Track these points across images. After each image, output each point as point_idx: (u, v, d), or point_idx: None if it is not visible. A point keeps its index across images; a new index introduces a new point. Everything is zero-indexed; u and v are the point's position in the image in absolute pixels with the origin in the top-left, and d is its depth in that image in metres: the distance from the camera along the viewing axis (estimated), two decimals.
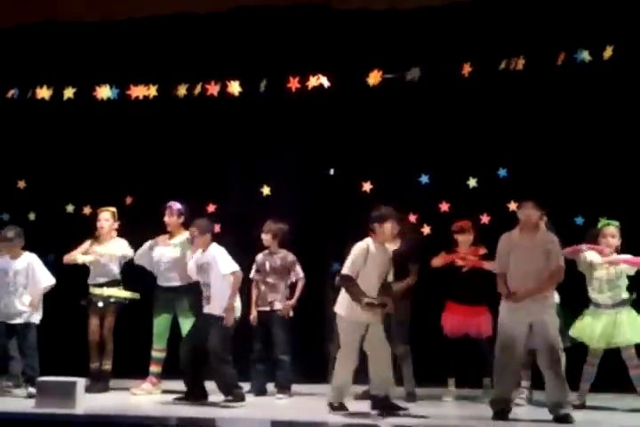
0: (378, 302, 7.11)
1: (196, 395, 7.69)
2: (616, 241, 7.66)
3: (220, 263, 7.74)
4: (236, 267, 7.78)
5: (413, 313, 8.13)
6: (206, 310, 7.76)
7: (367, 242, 7.28)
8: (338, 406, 7.23)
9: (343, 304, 7.23)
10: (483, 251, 8.18)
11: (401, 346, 8.01)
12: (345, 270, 7.20)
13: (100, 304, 8.51)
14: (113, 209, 8.73)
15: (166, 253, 8.50)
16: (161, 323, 8.46)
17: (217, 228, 9.03)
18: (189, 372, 7.70)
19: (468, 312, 8.05)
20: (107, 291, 8.54)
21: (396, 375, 7.84)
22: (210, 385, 7.73)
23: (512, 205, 8.93)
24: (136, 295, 8.65)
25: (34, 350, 8.26)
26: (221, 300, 7.69)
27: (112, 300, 8.54)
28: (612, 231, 7.66)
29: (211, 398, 7.73)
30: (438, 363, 8.17)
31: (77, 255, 8.60)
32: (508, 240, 7.06)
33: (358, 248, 7.25)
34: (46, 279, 8.42)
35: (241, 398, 7.56)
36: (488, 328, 8.02)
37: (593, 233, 7.75)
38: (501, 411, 6.89)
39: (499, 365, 6.96)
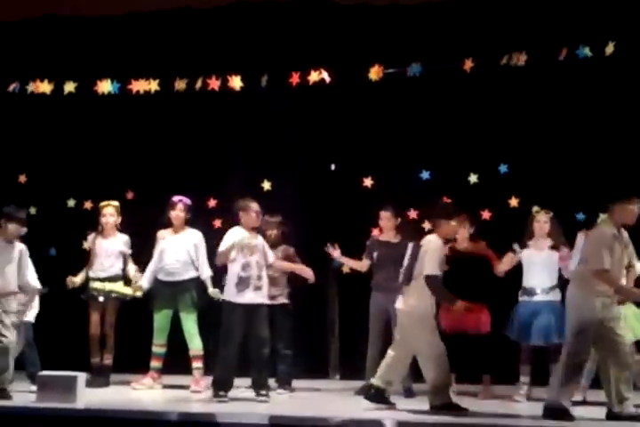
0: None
1: (225, 389, 7.58)
2: None
3: (270, 253, 7.86)
4: None
5: None
6: (259, 299, 7.56)
7: (436, 238, 7.17)
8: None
9: (427, 303, 7.12)
10: (483, 246, 8.18)
11: None
12: (431, 271, 7.03)
13: (101, 299, 8.51)
14: (116, 203, 8.71)
15: (169, 248, 8.45)
16: (162, 318, 8.43)
17: (218, 222, 9.07)
18: (233, 365, 7.60)
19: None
20: (108, 286, 8.53)
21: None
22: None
23: (513, 201, 8.95)
24: (137, 292, 8.62)
25: (31, 345, 8.21)
26: (266, 289, 7.70)
27: (113, 295, 8.53)
28: None
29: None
30: None
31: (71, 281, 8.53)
32: (612, 237, 6.78)
33: (437, 246, 7.10)
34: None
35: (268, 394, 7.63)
36: (487, 325, 8.02)
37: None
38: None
39: (580, 364, 6.81)
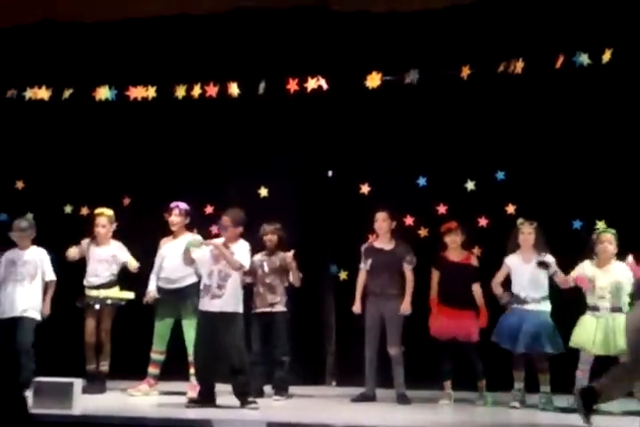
0: None
1: (208, 399, 7.58)
2: (613, 248, 7.69)
3: (246, 258, 7.72)
4: None
5: (412, 314, 8.14)
6: (218, 307, 7.49)
7: None
8: None
9: None
10: (473, 256, 8.19)
11: (396, 347, 8.03)
12: None
13: (97, 306, 8.51)
14: (109, 213, 8.68)
15: (168, 255, 8.44)
16: (162, 326, 8.40)
17: (215, 229, 9.06)
18: (207, 375, 7.58)
19: (457, 316, 8.01)
20: (103, 292, 8.53)
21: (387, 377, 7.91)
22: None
23: (510, 208, 8.95)
24: (131, 295, 8.62)
25: (29, 350, 8.21)
26: (236, 297, 7.60)
27: (109, 302, 8.53)
28: (608, 238, 7.68)
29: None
30: (436, 365, 8.17)
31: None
32: None
33: None
34: (50, 274, 8.52)
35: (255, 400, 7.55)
36: (476, 333, 8.02)
37: (592, 240, 7.79)
38: None
39: None
